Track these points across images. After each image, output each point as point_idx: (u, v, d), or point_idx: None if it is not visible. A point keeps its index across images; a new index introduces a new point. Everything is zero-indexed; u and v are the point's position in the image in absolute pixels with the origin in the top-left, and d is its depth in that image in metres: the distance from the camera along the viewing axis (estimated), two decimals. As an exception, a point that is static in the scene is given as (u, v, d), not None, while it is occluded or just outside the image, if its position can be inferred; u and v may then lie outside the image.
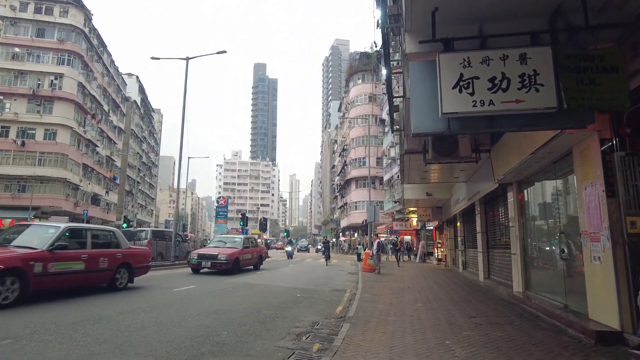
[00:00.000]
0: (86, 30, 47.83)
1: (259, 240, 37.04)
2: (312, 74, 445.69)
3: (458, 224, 19.14)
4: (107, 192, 57.23)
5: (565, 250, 6.71)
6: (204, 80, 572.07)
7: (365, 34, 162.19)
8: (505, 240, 11.42)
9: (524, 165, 7.78)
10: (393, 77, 11.87)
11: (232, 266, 15.06)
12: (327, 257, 24.70)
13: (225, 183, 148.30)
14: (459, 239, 18.91)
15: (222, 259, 14.99)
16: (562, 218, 7.14)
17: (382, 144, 44.82)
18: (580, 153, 5.90)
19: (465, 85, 4.57)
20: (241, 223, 28.08)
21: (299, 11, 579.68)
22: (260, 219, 33.36)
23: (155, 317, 6.76)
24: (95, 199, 52.97)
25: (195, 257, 15.51)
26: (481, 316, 7.28)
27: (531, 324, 6.45)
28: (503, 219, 11.60)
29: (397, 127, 11.13)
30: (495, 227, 12.84)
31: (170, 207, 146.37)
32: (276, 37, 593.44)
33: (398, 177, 30.05)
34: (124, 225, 29.29)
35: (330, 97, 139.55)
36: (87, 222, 39.36)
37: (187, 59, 20.44)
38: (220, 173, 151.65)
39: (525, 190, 9.41)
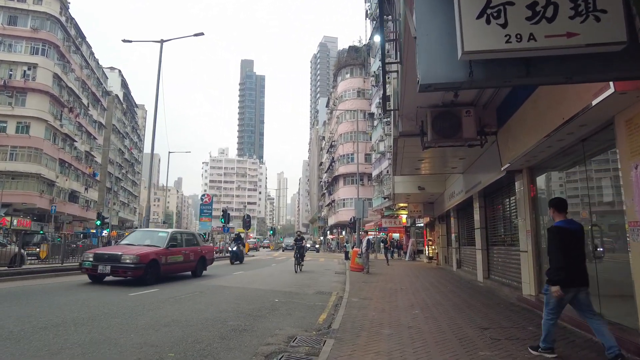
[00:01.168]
0: (62, 19, 45.61)
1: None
2: (300, 72, 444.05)
3: (452, 220, 17.95)
4: (86, 189, 55.05)
5: (600, 247, 5.46)
6: (190, 76, 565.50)
7: (353, 32, 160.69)
8: (510, 236, 10.20)
9: (543, 146, 6.52)
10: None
11: (146, 272, 10.58)
12: (298, 260, 16.77)
13: (211, 181, 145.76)
14: (453, 235, 17.72)
15: (128, 261, 10.39)
16: (595, 208, 5.89)
17: (370, 139, 43.61)
18: (627, 123, 4.64)
19: (495, 14, 3.24)
20: (222, 220, 26.56)
21: (288, 9, 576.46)
22: (244, 216, 31.87)
23: (88, 333, 5.32)
24: (73, 196, 50.81)
25: (90, 259, 10.76)
26: (495, 327, 5.99)
27: (562, 340, 5.17)
28: (508, 212, 10.38)
29: (390, 106, 9.81)
30: (497, 222, 11.62)
31: (155, 205, 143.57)
32: (265, 34, 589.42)
33: (388, 172, 28.82)
34: (98, 222, 27.52)
35: (318, 95, 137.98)
36: (56, 218, 37.29)
37: (162, 41, 18.91)
38: (206, 170, 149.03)
39: (538, 178, 8.16)
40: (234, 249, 21.54)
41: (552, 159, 7.28)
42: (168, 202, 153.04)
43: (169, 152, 40.12)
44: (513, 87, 7.36)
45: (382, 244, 28.02)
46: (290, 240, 49.23)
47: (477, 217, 12.82)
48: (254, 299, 8.87)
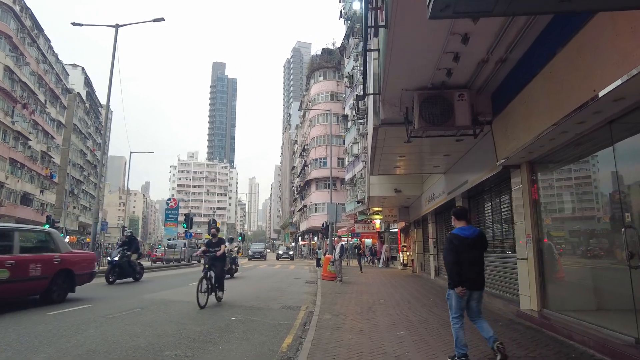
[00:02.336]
0: (16, 8, 42.51)
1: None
2: (273, 78, 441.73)
3: (430, 224, 16.91)
4: (41, 192, 51.48)
5: (637, 254, 4.32)
6: (160, 78, 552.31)
7: (327, 38, 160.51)
8: (502, 242, 9.11)
9: (555, 132, 5.40)
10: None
11: None
12: (208, 282, 8.91)
13: (179, 185, 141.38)
14: (431, 241, 16.67)
15: None
16: (631, 206, 4.76)
17: (344, 143, 42.55)
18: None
19: None
20: (184, 225, 24.66)
21: (261, 14, 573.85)
22: (209, 221, 29.93)
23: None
24: (26, 199, 47.27)
25: None
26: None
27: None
28: (499, 215, 9.30)
29: (369, 90, 8.55)
30: (483, 226, 10.54)
31: (120, 209, 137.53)
32: (237, 38, 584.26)
33: (362, 175, 27.74)
34: (46, 225, 24.97)
35: (291, 100, 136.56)
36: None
37: (117, 26, 17.09)
38: (174, 174, 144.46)
39: (540, 173, 7.07)
40: (115, 258, 13.43)
41: (560, 150, 6.18)
42: (134, 207, 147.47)
43: (131, 153, 37.65)
44: (515, 66, 6.25)
45: (356, 250, 26.71)
46: (259, 247, 43.52)
47: (460, 220, 11.74)
48: (205, 318, 7.35)
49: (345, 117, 36.41)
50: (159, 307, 8.35)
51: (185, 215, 26.29)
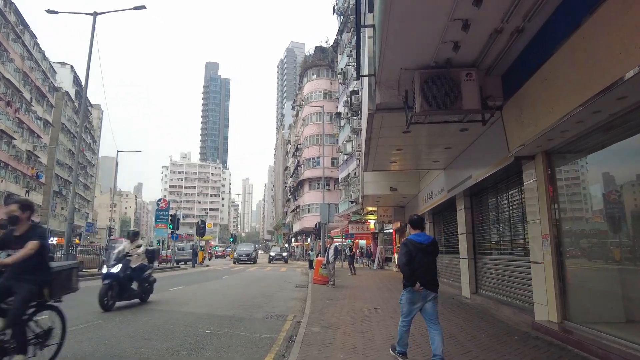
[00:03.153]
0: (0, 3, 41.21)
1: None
2: (267, 79, 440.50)
3: (427, 225, 16.05)
4: (27, 192, 50.09)
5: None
6: (153, 79, 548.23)
7: (320, 38, 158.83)
8: (511, 243, 8.25)
9: (584, 114, 4.52)
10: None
11: None
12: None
13: (171, 186, 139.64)
14: (429, 242, 15.81)
15: None
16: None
17: (337, 142, 41.69)
18: None
19: None
20: (170, 226, 23.60)
21: (254, 14, 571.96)
22: (198, 222, 28.91)
23: None
24: (10, 199, 45.82)
25: None
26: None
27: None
28: (507, 213, 8.44)
29: (364, 72, 7.66)
30: (488, 226, 9.69)
31: (111, 211, 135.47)
32: (231, 39, 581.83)
33: (355, 174, 26.86)
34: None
35: (285, 100, 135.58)
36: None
37: (95, 14, 16.07)
38: (166, 175, 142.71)
39: (558, 163, 6.20)
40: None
41: (585, 137, 5.32)
42: (126, 209, 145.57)
43: (117, 152, 36.52)
44: (534, 38, 5.38)
45: (348, 251, 25.67)
46: (246, 249, 36.31)
47: (461, 220, 10.88)
48: (175, 331, 6.40)
49: (338, 114, 35.55)
50: (124, 319, 7.37)
51: (172, 216, 25.24)
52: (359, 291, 12.47)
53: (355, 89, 22.51)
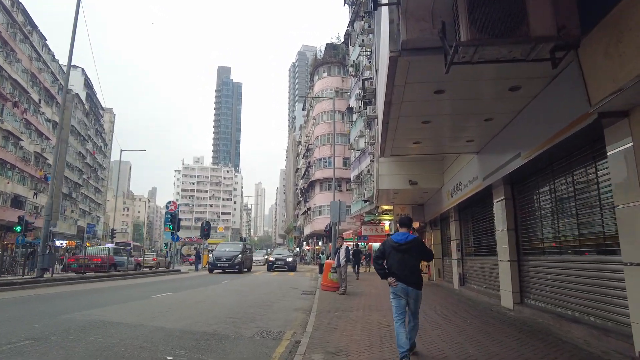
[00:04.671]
0: (6, 2, 40.49)
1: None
2: (279, 83, 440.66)
3: (452, 223, 14.07)
4: (35, 194, 49.32)
5: None
6: (168, 83, 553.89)
7: (332, 34, 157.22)
8: (578, 239, 6.26)
9: None
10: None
11: None
12: None
13: (183, 190, 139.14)
14: (453, 244, 13.81)
15: None
16: None
17: (349, 141, 39.82)
18: None
19: None
20: (171, 227, 21.99)
21: (266, 18, 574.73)
22: (202, 224, 27.24)
23: None
24: (17, 201, 45.15)
25: None
26: None
27: None
28: (571, 198, 6.44)
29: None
30: (539, 219, 7.70)
31: (124, 214, 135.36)
32: (243, 44, 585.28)
33: (369, 171, 24.98)
34: (17, 228, 22.43)
35: (297, 103, 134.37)
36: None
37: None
38: (178, 179, 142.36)
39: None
40: None
41: None
42: (139, 212, 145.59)
43: (121, 150, 35.31)
44: None
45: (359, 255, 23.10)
46: (229, 249, 24.09)
47: (500, 214, 8.92)
48: (124, 356, 4.62)
49: (350, 109, 33.69)
50: (67, 336, 5.60)
51: (171, 215, 23.65)
52: (375, 299, 10.57)
53: (369, 77, 20.71)
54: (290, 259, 26.99)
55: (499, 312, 8.23)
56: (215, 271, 22.46)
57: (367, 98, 18.14)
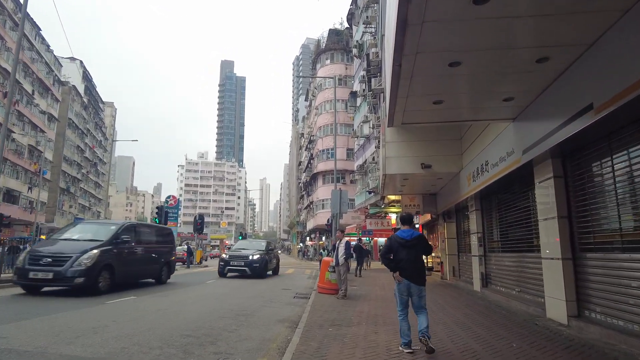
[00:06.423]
0: (-6, -13, 38.73)
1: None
2: (283, 77, 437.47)
3: (472, 213, 11.97)
4: (30, 189, 47.71)
5: None
6: (171, 77, 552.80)
7: (335, 20, 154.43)
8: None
9: None
10: None
11: None
12: None
13: (186, 185, 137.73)
14: (475, 237, 11.69)
15: None
16: None
17: (352, 129, 37.68)
18: None
19: None
20: (156, 220, 20.10)
21: (269, 11, 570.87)
22: (195, 217, 25.34)
23: None
24: (10, 196, 43.62)
25: None
26: None
27: None
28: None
29: None
30: (607, 204, 5.60)
31: (127, 210, 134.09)
32: (246, 37, 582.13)
33: (374, 159, 22.85)
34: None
35: (300, 96, 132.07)
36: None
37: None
38: (181, 174, 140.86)
39: None
40: None
41: None
42: (142, 208, 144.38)
43: (114, 140, 33.44)
44: None
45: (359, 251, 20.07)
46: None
47: (545, 198, 6.83)
48: None
49: (354, 94, 31.49)
50: None
51: (158, 208, 21.76)
52: (381, 306, 8.52)
53: (375, 52, 18.57)
54: (255, 257, 16.54)
55: (548, 329, 6.14)
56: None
57: (372, 72, 16.03)
